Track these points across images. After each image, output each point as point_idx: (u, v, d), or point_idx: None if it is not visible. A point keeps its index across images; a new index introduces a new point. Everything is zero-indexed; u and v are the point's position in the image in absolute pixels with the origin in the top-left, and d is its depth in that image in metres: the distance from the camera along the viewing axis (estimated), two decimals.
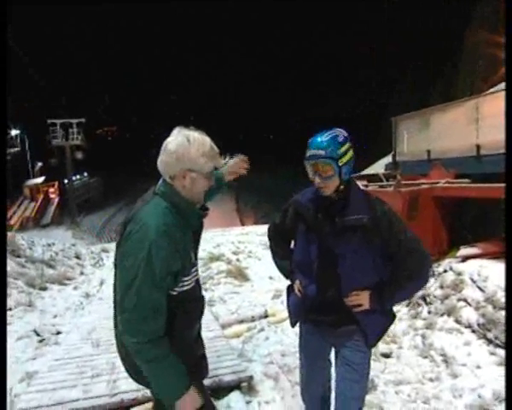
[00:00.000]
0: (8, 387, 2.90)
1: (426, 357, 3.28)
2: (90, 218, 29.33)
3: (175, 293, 1.45)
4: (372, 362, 3.35)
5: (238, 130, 61.49)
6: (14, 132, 25.63)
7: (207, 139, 1.50)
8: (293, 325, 1.97)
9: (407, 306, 4.42)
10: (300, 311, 1.88)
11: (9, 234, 8.11)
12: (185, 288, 1.49)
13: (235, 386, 2.83)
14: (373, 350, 3.58)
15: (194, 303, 1.57)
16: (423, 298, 4.27)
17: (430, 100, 18.40)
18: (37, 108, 27.22)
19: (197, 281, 1.61)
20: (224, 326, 4.28)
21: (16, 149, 24.44)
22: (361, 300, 1.70)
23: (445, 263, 4.37)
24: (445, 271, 4.24)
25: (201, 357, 1.66)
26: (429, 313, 3.98)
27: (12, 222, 21.56)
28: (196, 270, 1.60)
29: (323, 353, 1.94)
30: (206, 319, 4.23)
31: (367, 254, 1.66)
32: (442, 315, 3.72)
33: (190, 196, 1.49)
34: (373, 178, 6.86)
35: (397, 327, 4.03)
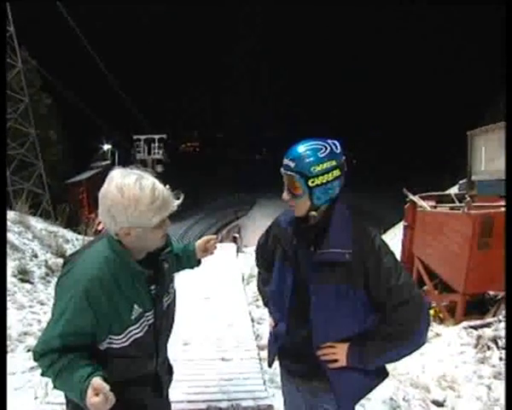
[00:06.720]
0: None
1: None
2: (170, 227, 31.22)
3: (101, 347, 1.28)
4: (419, 409, 2.93)
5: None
6: (106, 147, 28.67)
7: (147, 188, 1.21)
8: (269, 365, 1.69)
9: (475, 347, 3.82)
10: (274, 350, 1.63)
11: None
12: (114, 345, 1.29)
13: None
14: (421, 394, 3.14)
15: (125, 361, 1.33)
16: (494, 340, 3.65)
17: None
18: (126, 126, 30.18)
19: (138, 339, 1.32)
20: (263, 348, 4.09)
21: (107, 161, 27.11)
22: (336, 354, 1.39)
23: None
24: None
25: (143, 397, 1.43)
26: (500, 359, 3.39)
27: (99, 228, 23.84)
28: (140, 325, 1.32)
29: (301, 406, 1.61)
30: (245, 338, 4.15)
31: (347, 298, 1.34)
32: None
33: (140, 248, 1.32)
34: (444, 198, 6.17)
35: (458, 371, 3.49)
